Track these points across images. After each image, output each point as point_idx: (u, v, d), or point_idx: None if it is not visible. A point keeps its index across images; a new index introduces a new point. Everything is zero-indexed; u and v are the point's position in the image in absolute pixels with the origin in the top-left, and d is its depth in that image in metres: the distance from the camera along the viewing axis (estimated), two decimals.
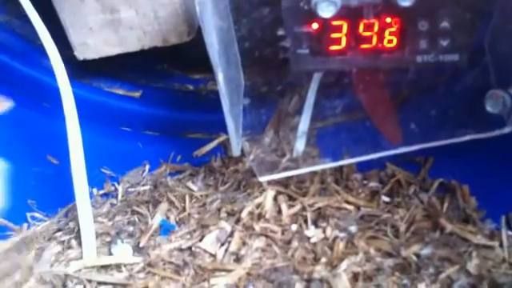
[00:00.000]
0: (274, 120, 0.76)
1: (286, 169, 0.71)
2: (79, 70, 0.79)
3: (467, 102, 0.62)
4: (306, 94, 0.74)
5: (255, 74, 0.69)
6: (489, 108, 0.59)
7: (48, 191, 0.76)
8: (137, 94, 0.85)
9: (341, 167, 0.73)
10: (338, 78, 0.69)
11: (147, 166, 0.81)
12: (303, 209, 0.69)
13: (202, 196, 0.74)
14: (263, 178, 0.68)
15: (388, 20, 0.59)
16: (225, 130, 0.66)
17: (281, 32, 0.62)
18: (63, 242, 0.69)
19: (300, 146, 0.75)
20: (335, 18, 0.56)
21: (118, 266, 0.64)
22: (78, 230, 0.68)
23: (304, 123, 0.76)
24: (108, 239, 0.69)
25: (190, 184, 0.76)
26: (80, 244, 0.67)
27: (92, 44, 0.73)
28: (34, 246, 0.68)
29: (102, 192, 0.78)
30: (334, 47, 0.62)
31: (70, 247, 0.68)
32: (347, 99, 0.74)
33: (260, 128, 0.76)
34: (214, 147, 0.82)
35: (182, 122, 0.84)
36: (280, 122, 0.77)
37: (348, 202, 0.69)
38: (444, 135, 0.61)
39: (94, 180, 0.78)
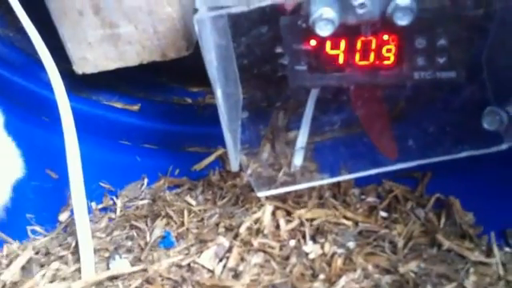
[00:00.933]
0: (269, 135, 0.77)
1: (284, 184, 0.71)
2: (78, 83, 0.79)
3: (464, 118, 0.62)
4: (303, 110, 0.74)
5: (253, 89, 0.70)
6: (486, 125, 0.59)
7: (47, 205, 0.76)
8: (135, 108, 0.85)
9: (338, 182, 0.73)
10: (335, 93, 0.70)
11: (145, 180, 0.81)
12: (301, 224, 0.69)
13: (200, 211, 0.74)
14: (261, 193, 0.68)
15: (385, 37, 0.59)
16: (223, 143, 0.66)
17: (279, 49, 0.62)
18: (62, 257, 0.69)
19: (298, 160, 0.75)
20: (333, 35, 0.56)
21: (115, 284, 0.64)
22: (77, 245, 0.68)
23: (302, 138, 0.76)
24: (106, 255, 0.69)
25: (188, 198, 0.76)
26: (78, 259, 0.67)
27: (91, 58, 0.73)
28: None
29: (100, 206, 0.78)
30: (331, 64, 0.62)
31: (68, 263, 0.68)
32: (345, 114, 0.74)
33: (258, 143, 0.76)
34: (212, 161, 0.82)
35: (180, 135, 0.85)
36: (274, 136, 0.77)
37: (346, 218, 0.69)
38: (441, 151, 0.62)
39: (93, 194, 0.78)
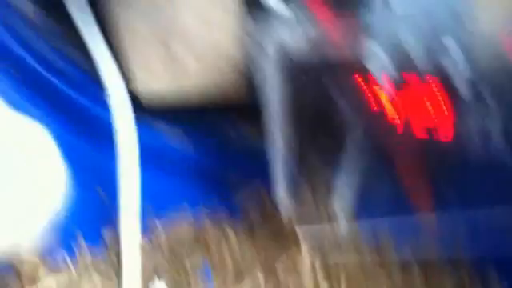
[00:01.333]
0: (315, 183, 0.79)
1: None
2: (140, 111, 0.82)
3: None
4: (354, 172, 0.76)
5: (307, 134, 0.73)
6: None
7: (93, 222, 0.79)
8: (187, 139, 0.88)
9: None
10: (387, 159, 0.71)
11: (189, 209, 0.84)
12: (336, 266, 0.71)
13: (238, 243, 0.77)
14: (300, 230, 0.70)
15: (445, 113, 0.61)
16: (265, 179, 0.69)
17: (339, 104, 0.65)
18: (105, 273, 0.72)
19: (343, 230, 0.76)
20: (393, 102, 0.59)
21: None
22: (119, 262, 0.71)
23: (347, 200, 0.78)
24: (146, 276, 0.72)
25: (227, 230, 0.79)
26: (119, 278, 0.70)
27: (155, 90, 0.77)
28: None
29: (144, 230, 0.81)
30: (390, 129, 0.65)
31: (110, 279, 0.71)
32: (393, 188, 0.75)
33: (303, 184, 0.79)
34: (254, 195, 0.85)
35: (226, 168, 0.87)
36: (320, 186, 0.80)
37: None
38: None
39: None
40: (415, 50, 0.57)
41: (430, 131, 0.63)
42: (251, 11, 0.74)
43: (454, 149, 0.63)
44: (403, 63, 0.58)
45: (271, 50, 0.61)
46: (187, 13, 0.73)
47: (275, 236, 0.77)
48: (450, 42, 0.55)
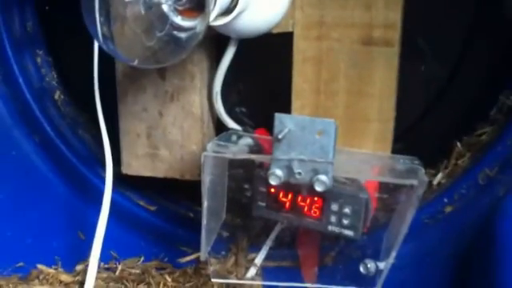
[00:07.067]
0: (234, 249, 1.09)
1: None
2: (120, 180, 1.14)
3: (355, 264, 0.93)
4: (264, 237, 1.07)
5: (232, 212, 1.02)
6: (362, 270, 0.90)
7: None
8: (152, 208, 1.19)
9: None
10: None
11: (142, 258, 1.14)
12: None
13: (172, 286, 1.05)
14: (216, 280, 0.99)
15: (315, 198, 0.92)
16: None
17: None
18: None
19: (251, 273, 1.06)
20: (283, 188, 0.90)
21: None
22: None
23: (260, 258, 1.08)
24: None
25: (166, 276, 1.08)
26: None
27: (135, 165, 1.09)
28: None
29: (107, 266, 1.10)
30: (281, 206, 0.95)
31: None
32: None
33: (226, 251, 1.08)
34: (193, 259, 1.14)
35: (177, 236, 1.17)
36: (238, 252, 1.09)
37: None
38: (337, 282, 0.92)
39: (105, 257, 1.09)
40: None
41: None
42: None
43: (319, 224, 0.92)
44: None
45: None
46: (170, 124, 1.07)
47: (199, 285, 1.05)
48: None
